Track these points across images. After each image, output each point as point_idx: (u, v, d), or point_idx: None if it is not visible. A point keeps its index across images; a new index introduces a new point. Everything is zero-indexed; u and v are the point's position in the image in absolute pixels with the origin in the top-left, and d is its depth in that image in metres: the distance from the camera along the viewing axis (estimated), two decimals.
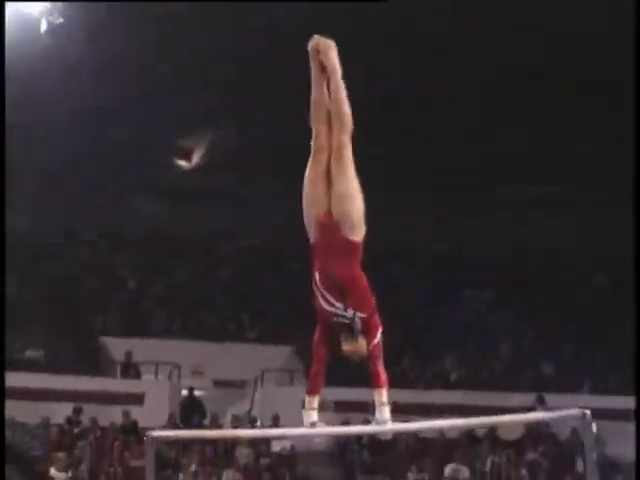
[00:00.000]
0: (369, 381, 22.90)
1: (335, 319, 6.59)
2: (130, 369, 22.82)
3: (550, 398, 21.04)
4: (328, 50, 6.53)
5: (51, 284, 24.00)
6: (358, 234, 6.58)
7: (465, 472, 20.80)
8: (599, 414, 20.95)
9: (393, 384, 22.27)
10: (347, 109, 6.59)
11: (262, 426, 21.48)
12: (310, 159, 6.65)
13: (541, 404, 20.90)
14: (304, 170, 6.71)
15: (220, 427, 20.53)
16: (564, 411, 7.18)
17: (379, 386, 6.85)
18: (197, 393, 23.13)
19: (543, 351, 24.40)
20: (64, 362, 22.39)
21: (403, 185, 22.90)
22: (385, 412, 6.81)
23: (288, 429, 7.31)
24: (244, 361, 22.75)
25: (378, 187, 22.10)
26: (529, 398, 21.23)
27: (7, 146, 20.08)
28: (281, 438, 21.25)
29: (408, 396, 21.21)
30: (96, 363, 23.06)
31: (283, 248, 24.54)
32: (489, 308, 25.14)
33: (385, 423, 6.77)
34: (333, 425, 21.97)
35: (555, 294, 24.29)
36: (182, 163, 24.59)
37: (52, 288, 23.92)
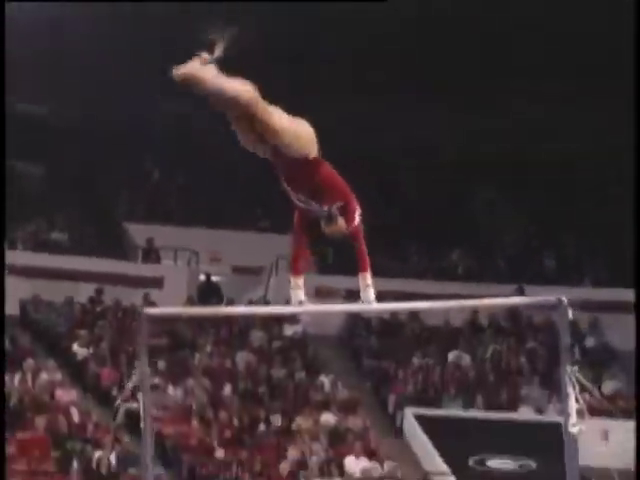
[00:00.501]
0: (377, 271, 23.83)
1: (314, 214, 6.78)
2: (151, 254, 23.69)
3: (552, 290, 21.86)
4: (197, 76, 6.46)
5: (77, 172, 24.68)
6: (312, 152, 6.64)
7: (467, 359, 21.75)
8: (599, 306, 21.91)
9: (400, 275, 23.22)
10: (236, 90, 6.50)
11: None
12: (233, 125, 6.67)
13: (521, 294, 21.68)
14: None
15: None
16: (542, 298, 7.55)
17: (363, 270, 7.03)
18: (215, 278, 24.04)
19: (547, 246, 25.12)
20: (88, 245, 23.26)
21: (410, 87, 23.30)
22: (370, 293, 7.04)
23: (278, 307, 7.57)
24: (260, 249, 23.53)
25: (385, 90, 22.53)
26: (530, 290, 21.99)
27: (34, 39, 20.64)
28: (293, 323, 22.25)
29: (414, 286, 22.09)
30: (119, 247, 23.92)
31: None
32: (497, 204, 25.70)
33: (370, 303, 7.04)
34: (344, 314, 23.10)
35: (560, 191, 24.74)
36: (205, 56, 24.88)
37: (78, 175, 24.63)
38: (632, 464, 18.83)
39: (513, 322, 23.17)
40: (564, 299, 6.90)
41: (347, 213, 6.74)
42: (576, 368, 6.93)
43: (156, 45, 21.30)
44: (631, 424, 19.38)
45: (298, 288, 6.96)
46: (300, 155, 6.62)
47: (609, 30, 19.28)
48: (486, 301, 7.34)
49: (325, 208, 6.69)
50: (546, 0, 20.08)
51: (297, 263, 6.99)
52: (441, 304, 8.36)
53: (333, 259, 24.48)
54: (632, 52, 16.82)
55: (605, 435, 18.70)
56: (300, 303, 6.94)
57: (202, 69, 6.50)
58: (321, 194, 6.69)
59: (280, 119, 6.56)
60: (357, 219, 6.80)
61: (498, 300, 7.63)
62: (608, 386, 20.93)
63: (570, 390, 6.87)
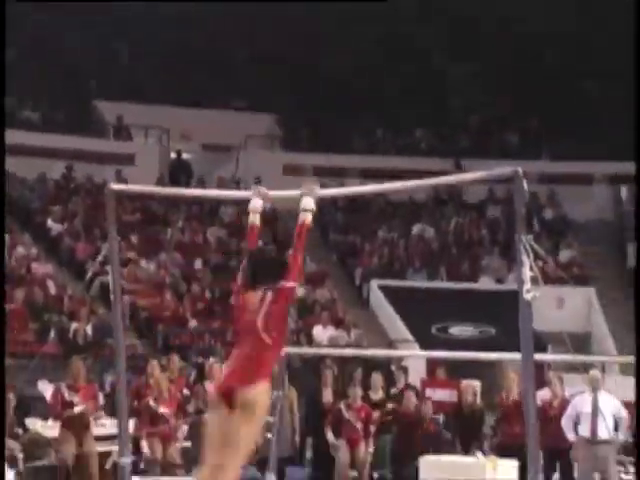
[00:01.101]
0: (345, 148, 24.37)
1: None
2: (121, 131, 23.96)
3: (514, 164, 22.37)
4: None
5: (49, 49, 24.63)
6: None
7: (430, 231, 22.44)
8: (557, 179, 22.52)
9: (366, 151, 23.52)
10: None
11: (246, 187, 22.92)
12: None
13: (457, 168, 22.20)
14: None
15: (205, 188, 21.95)
16: (499, 170, 7.69)
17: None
18: (185, 156, 24.44)
19: (509, 123, 25.58)
20: (59, 122, 23.45)
21: None
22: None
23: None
24: (230, 127, 23.90)
25: None
26: (493, 164, 22.50)
27: None
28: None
29: (379, 162, 22.61)
30: (90, 124, 24.15)
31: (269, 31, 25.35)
32: (460, 82, 26.00)
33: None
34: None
35: (523, 69, 25.03)
36: None
37: (50, 53, 24.58)
38: (585, 328, 19.81)
39: (460, 197, 23.73)
40: (519, 170, 7.15)
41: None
42: (531, 237, 7.33)
43: None
44: (584, 290, 20.26)
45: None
46: None
47: None
48: (444, 178, 7.65)
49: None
50: None
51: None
52: (402, 184, 8.69)
53: (301, 136, 24.92)
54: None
55: (561, 302, 19.46)
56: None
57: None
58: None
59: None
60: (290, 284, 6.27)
61: (459, 176, 7.90)
62: (564, 255, 21.70)
63: (525, 258, 7.23)
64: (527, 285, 7.36)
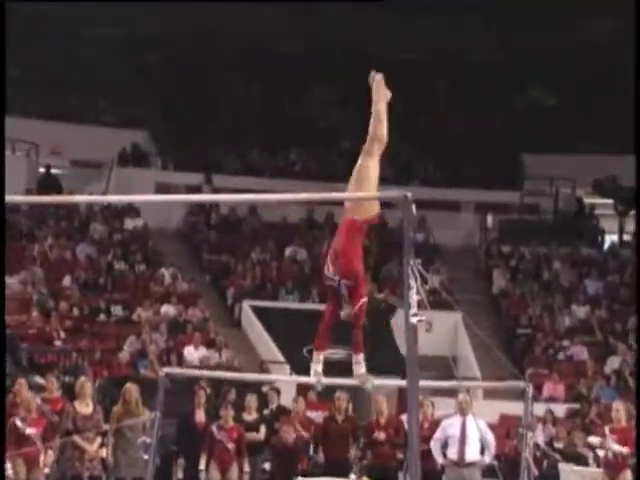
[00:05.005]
0: (219, 167, 24.01)
1: (328, 282, 7.75)
2: None
3: (388, 189, 22.73)
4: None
5: None
6: (361, 217, 7.81)
7: (303, 254, 22.53)
8: (427, 205, 22.91)
9: (244, 173, 23.51)
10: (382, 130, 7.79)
11: (117, 208, 22.72)
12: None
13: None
14: None
15: (75, 204, 21.66)
16: (388, 193, 7.95)
17: (357, 352, 7.94)
18: (54, 171, 23.99)
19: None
20: None
21: None
22: (359, 368, 7.94)
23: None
24: (101, 143, 23.59)
25: None
26: None
27: None
28: (134, 217, 22.54)
29: (255, 183, 22.63)
30: None
31: (140, 37, 25.14)
32: (334, 105, 26.27)
33: (362, 378, 7.95)
34: (185, 209, 23.34)
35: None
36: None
37: None
38: (450, 352, 20.15)
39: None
40: (409, 195, 7.30)
41: (354, 295, 7.71)
42: (419, 261, 7.43)
43: None
44: (450, 315, 20.45)
45: (317, 362, 7.90)
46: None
47: None
48: (334, 194, 7.69)
49: (336, 276, 7.55)
50: None
51: (322, 340, 7.90)
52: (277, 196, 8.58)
53: (176, 156, 24.82)
54: None
55: (429, 326, 19.63)
56: (317, 374, 7.85)
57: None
58: (337, 259, 7.59)
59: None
60: (361, 304, 7.72)
61: (344, 194, 7.93)
62: (433, 281, 21.99)
63: (412, 282, 7.29)
64: (414, 309, 7.40)
